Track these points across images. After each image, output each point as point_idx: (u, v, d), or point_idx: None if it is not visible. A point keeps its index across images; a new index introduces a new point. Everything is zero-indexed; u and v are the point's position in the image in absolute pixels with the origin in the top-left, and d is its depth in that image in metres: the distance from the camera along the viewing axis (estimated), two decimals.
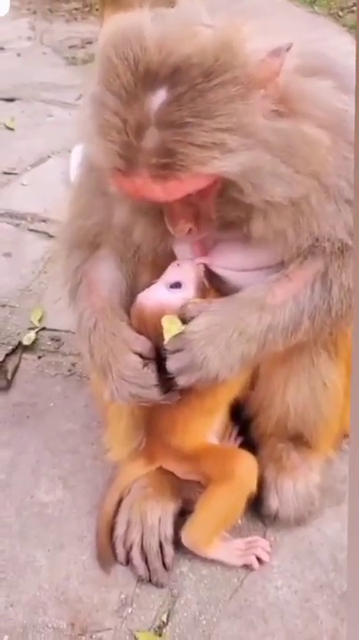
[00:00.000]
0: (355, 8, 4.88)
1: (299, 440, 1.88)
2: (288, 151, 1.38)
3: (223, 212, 1.46)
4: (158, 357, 1.59)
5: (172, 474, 1.83)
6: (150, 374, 1.58)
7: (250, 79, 1.31)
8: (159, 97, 1.30)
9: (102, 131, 1.35)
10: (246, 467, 1.73)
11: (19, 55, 4.55)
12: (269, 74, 1.33)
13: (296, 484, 1.84)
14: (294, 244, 1.53)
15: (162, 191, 1.35)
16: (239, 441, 1.94)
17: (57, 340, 2.38)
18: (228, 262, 1.64)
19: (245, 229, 1.48)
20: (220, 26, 1.35)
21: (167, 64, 1.29)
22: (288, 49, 1.33)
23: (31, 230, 2.88)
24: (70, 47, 4.68)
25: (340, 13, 4.95)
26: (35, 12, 5.29)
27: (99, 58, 1.37)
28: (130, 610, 1.70)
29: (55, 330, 2.41)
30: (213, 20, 1.39)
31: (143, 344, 1.60)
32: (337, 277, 1.56)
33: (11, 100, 3.93)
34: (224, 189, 1.40)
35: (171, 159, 1.30)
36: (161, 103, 1.30)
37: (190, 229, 1.49)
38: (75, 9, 5.37)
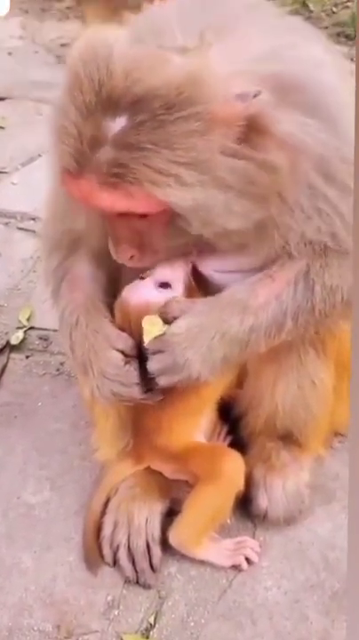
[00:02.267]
0: (349, 4, 4.86)
1: (289, 439, 1.86)
2: (245, 186, 1.37)
3: (170, 242, 1.46)
4: (141, 356, 1.58)
5: (160, 474, 1.81)
6: (132, 372, 1.56)
7: (212, 117, 1.30)
8: (119, 122, 1.30)
9: (58, 134, 1.35)
10: (234, 465, 1.72)
11: (10, 54, 4.51)
12: (233, 115, 1.32)
13: (285, 482, 1.82)
14: (267, 252, 1.52)
15: (108, 200, 1.34)
16: (228, 440, 1.92)
17: (45, 340, 2.36)
18: (215, 264, 1.62)
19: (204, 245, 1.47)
20: (191, 54, 1.34)
21: (131, 92, 1.29)
22: (255, 95, 1.32)
23: (20, 229, 2.86)
24: (62, 46, 4.64)
25: (334, 9, 4.92)
26: (27, 12, 5.26)
27: (67, 66, 1.37)
28: (117, 612, 1.68)
29: (43, 329, 2.38)
30: (184, 35, 1.39)
31: (125, 341, 1.58)
32: (319, 277, 1.55)
33: (1, 99, 3.90)
34: (172, 220, 1.39)
35: (122, 170, 1.30)
36: (120, 128, 1.30)
37: (132, 256, 1.48)
38: (68, 8, 5.33)
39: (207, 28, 1.41)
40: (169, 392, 1.61)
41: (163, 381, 1.53)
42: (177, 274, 1.59)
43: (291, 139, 1.40)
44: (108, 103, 1.30)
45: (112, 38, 1.37)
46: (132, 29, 1.44)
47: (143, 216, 1.39)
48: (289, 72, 1.44)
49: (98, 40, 1.37)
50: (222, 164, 1.33)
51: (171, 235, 1.43)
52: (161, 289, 1.57)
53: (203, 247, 1.57)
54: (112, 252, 1.49)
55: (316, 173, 1.46)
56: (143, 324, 1.53)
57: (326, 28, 4.48)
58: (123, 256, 1.48)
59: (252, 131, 1.36)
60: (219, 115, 1.31)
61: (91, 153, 1.31)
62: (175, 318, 1.53)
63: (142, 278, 1.60)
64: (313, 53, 1.54)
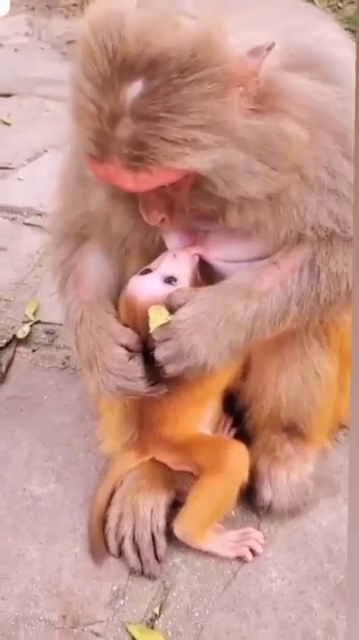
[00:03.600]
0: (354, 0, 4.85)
1: (294, 431, 1.86)
2: (264, 149, 1.36)
3: (197, 205, 1.45)
4: (145, 350, 1.58)
5: (165, 465, 1.81)
6: (136, 367, 1.57)
7: (227, 77, 1.30)
8: (135, 88, 1.29)
9: (78, 116, 1.35)
10: (238, 456, 1.72)
11: (16, 51, 4.54)
12: (248, 72, 1.31)
13: (289, 474, 1.82)
14: (281, 234, 1.52)
15: (133, 181, 1.35)
16: (233, 432, 1.93)
17: (51, 334, 2.37)
18: (221, 253, 1.62)
19: (221, 221, 1.47)
20: (203, 18, 1.33)
21: (144, 56, 1.28)
22: (269, 48, 1.31)
23: (27, 224, 2.88)
24: (68, 42, 4.66)
25: (340, 5, 4.92)
26: (33, 9, 5.28)
27: (79, 41, 1.36)
28: (122, 602, 1.69)
29: (49, 323, 2.39)
30: (197, 8, 1.37)
31: (129, 337, 1.59)
32: (325, 264, 1.54)
33: (7, 95, 3.92)
34: (197, 184, 1.39)
35: (142, 152, 1.30)
36: (136, 95, 1.29)
37: (163, 219, 1.47)
38: (74, 4, 5.35)
39: (219, 2, 1.40)
40: (174, 384, 1.62)
41: (170, 370, 1.53)
42: (183, 268, 1.59)
43: (309, 105, 1.40)
44: (123, 69, 1.29)
45: (122, 6, 1.35)
46: (143, 3, 1.42)
47: (170, 184, 1.39)
48: (302, 46, 1.44)
49: (107, 9, 1.36)
50: (240, 125, 1.33)
51: (199, 197, 1.42)
52: (167, 284, 1.57)
53: (215, 233, 1.59)
54: (144, 217, 1.48)
55: (338, 149, 1.46)
56: (149, 313, 1.53)
57: None
58: (154, 221, 1.48)
59: (270, 95, 1.35)
60: (235, 74, 1.30)
61: (111, 131, 1.30)
62: (180, 307, 1.53)
63: (147, 271, 1.61)
64: (327, 31, 1.54)
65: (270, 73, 1.35)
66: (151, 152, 1.30)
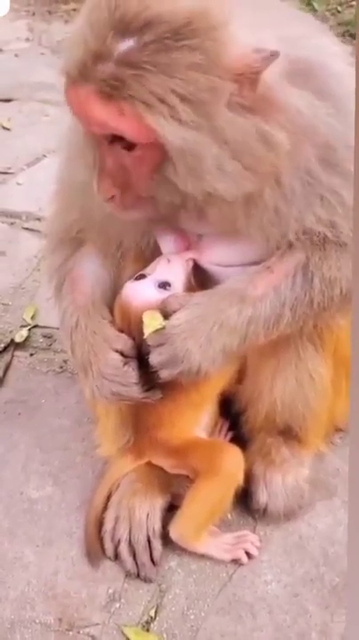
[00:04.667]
0: (353, 3, 4.86)
1: (289, 434, 1.87)
2: (242, 148, 1.36)
3: (154, 192, 1.43)
4: (140, 355, 1.59)
5: (161, 469, 1.82)
6: (131, 372, 1.58)
7: (221, 60, 1.30)
8: (125, 44, 1.29)
9: (68, 46, 1.35)
10: (233, 460, 1.73)
11: (16, 56, 4.54)
12: (246, 68, 1.32)
13: (285, 477, 1.83)
14: (270, 238, 1.53)
15: (100, 111, 1.32)
16: (229, 436, 1.93)
17: (49, 337, 2.38)
18: (215, 257, 1.63)
19: (197, 215, 1.47)
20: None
21: (141, 17, 1.29)
22: (273, 54, 1.32)
23: (25, 229, 2.88)
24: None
25: (339, 9, 4.93)
26: (33, 14, 5.29)
27: None
28: (118, 605, 1.69)
29: (47, 327, 2.40)
30: None
31: (124, 342, 1.60)
32: (318, 269, 1.55)
33: (7, 100, 3.93)
34: (160, 166, 1.38)
35: (119, 84, 1.30)
36: (126, 47, 1.29)
37: (113, 196, 1.45)
38: (74, 10, 5.36)
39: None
40: (169, 388, 1.63)
41: (164, 374, 1.54)
42: (177, 272, 1.60)
43: (298, 118, 1.40)
44: (119, 23, 1.30)
45: None
46: None
47: (131, 147, 1.38)
48: (300, 56, 1.45)
49: None
50: (224, 116, 1.33)
51: (158, 182, 1.41)
52: (161, 289, 1.58)
53: (209, 237, 1.59)
54: (95, 189, 1.46)
55: (320, 160, 1.47)
56: (143, 318, 1.54)
57: (331, 27, 4.49)
58: (105, 193, 1.45)
59: (262, 100, 1.36)
60: (231, 63, 1.31)
61: (92, 64, 1.31)
62: (174, 312, 1.54)
63: (142, 276, 1.62)
64: (324, 43, 1.55)
65: (269, 79, 1.35)
66: (128, 88, 1.29)
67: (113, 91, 1.30)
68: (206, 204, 1.45)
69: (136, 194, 1.45)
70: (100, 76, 1.30)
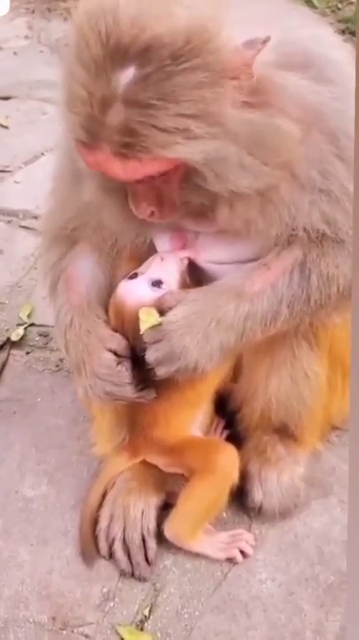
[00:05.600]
0: (354, 0, 4.84)
1: (285, 432, 1.86)
2: (256, 143, 1.36)
3: (187, 198, 1.44)
4: (134, 355, 1.59)
5: (156, 467, 1.81)
6: (124, 372, 1.57)
7: (221, 67, 1.30)
8: (127, 74, 1.28)
9: (69, 102, 1.34)
10: (228, 458, 1.72)
11: (15, 54, 4.54)
12: (242, 64, 1.31)
13: (280, 475, 1.82)
14: (273, 233, 1.52)
15: (122, 169, 1.34)
16: (225, 434, 1.93)
17: (45, 336, 2.37)
18: (211, 255, 1.63)
19: (210, 216, 1.47)
20: (198, 7, 1.32)
21: (138, 41, 1.27)
22: (264, 41, 1.31)
23: (23, 227, 2.87)
24: (67, 46, 4.66)
25: (339, 6, 4.91)
26: (33, 12, 5.29)
27: (73, 27, 1.35)
28: (112, 604, 1.69)
29: (44, 326, 2.39)
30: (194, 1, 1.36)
31: (118, 342, 1.59)
32: (315, 266, 1.55)
33: (6, 98, 3.92)
34: (188, 176, 1.39)
35: (132, 139, 1.29)
36: (128, 80, 1.28)
37: (152, 212, 1.46)
38: (75, 7, 5.36)
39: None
40: (164, 386, 1.62)
41: (161, 372, 1.53)
42: (170, 270, 1.59)
43: (303, 104, 1.40)
44: (116, 53, 1.28)
45: None
46: None
47: (159, 175, 1.38)
48: (299, 46, 1.45)
49: None
50: (233, 117, 1.33)
51: (189, 190, 1.42)
52: (154, 287, 1.58)
53: (206, 235, 1.59)
54: (133, 210, 1.47)
55: (331, 150, 1.46)
56: (139, 315, 1.53)
57: (331, 24, 4.47)
58: (144, 214, 1.47)
59: (263, 91, 1.35)
60: (229, 65, 1.30)
61: (102, 117, 1.29)
62: (171, 309, 1.54)
63: (135, 275, 1.61)
64: (321, 33, 1.55)
65: (265, 69, 1.35)
66: (141, 139, 1.29)
67: (128, 149, 1.30)
68: (225, 202, 1.44)
69: (171, 203, 1.46)
70: (112, 135, 1.29)
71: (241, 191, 1.40)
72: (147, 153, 1.30)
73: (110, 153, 1.32)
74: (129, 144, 1.30)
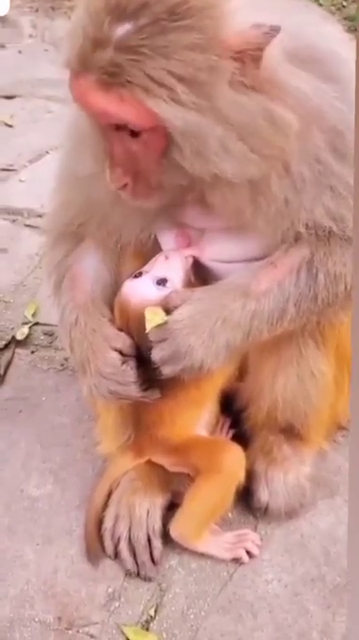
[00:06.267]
0: None
1: (291, 432, 1.85)
2: (247, 129, 1.35)
3: (164, 177, 1.42)
4: (139, 354, 1.58)
5: (161, 467, 1.81)
6: (129, 371, 1.56)
7: (220, 38, 1.29)
8: (123, 28, 1.28)
9: (68, 37, 1.35)
10: (234, 458, 1.72)
11: (20, 52, 4.54)
12: (246, 45, 1.30)
13: (286, 475, 1.82)
14: (273, 230, 1.51)
15: (103, 99, 1.32)
16: (231, 433, 1.92)
17: (50, 335, 2.37)
18: (216, 254, 1.62)
19: (203, 203, 1.45)
20: None
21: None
22: (274, 29, 1.30)
23: (27, 226, 2.87)
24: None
25: (344, 4, 4.90)
26: (37, 10, 5.28)
27: None
28: (117, 604, 1.68)
29: (48, 324, 2.38)
30: None
31: (123, 341, 1.58)
32: (323, 265, 1.54)
33: (10, 97, 3.92)
34: (167, 150, 1.36)
35: (118, 70, 1.29)
36: (123, 32, 1.28)
37: (126, 185, 1.45)
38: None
39: None
40: (170, 385, 1.61)
41: (167, 371, 1.52)
42: (175, 269, 1.59)
43: (304, 100, 1.39)
44: (115, 9, 1.29)
45: None
46: None
47: (137, 134, 1.37)
48: (307, 42, 1.44)
49: None
50: (226, 96, 1.32)
51: (166, 167, 1.40)
52: (159, 286, 1.57)
53: (211, 233, 1.58)
54: (108, 179, 1.45)
55: (329, 147, 1.45)
56: (145, 314, 1.53)
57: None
58: (117, 182, 1.45)
59: (266, 81, 1.34)
60: (232, 42, 1.29)
61: (92, 52, 1.30)
62: (177, 308, 1.53)
63: (140, 274, 1.61)
64: (329, 30, 1.54)
65: (271, 61, 1.34)
66: (127, 74, 1.29)
67: (111, 78, 1.30)
68: (213, 189, 1.43)
69: (147, 181, 1.44)
70: (99, 63, 1.30)
71: (225, 177, 1.38)
72: (129, 90, 1.30)
73: (94, 81, 1.31)
74: (114, 74, 1.29)
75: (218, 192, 1.44)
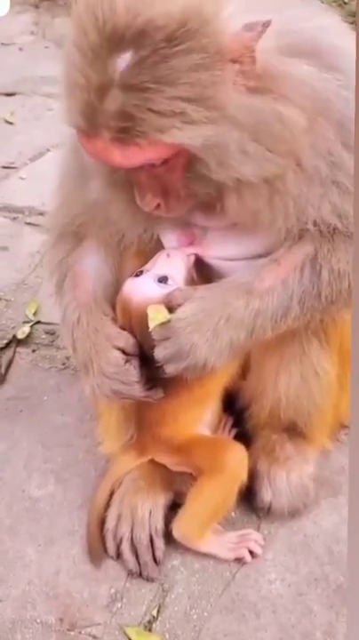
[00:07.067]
0: None
1: (294, 431, 1.84)
2: (259, 129, 1.34)
3: (192, 188, 1.42)
4: (142, 353, 1.57)
5: (164, 466, 1.80)
6: (132, 370, 1.55)
7: (219, 50, 1.28)
8: (123, 59, 1.27)
9: (68, 89, 1.33)
10: (236, 457, 1.71)
11: (21, 50, 4.53)
12: (243, 48, 1.29)
13: (289, 474, 1.81)
14: (281, 227, 1.50)
15: (121, 156, 1.32)
16: (233, 432, 1.91)
17: (51, 334, 2.36)
18: (219, 251, 1.61)
19: (219, 208, 1.45)
20: None
21: (133, 26, 1.26)
22: (265, 25, 1.29)
23: (28, 224, 2.86)
24: (67, 35, 4.63)
25: (346, 1, 4.88)
26: (38, 7, 5.27)
27: (73, 15, 1.34)
28: (119, 604, 1.67)
29: (50, 323, 2.38)
30: None
31: (126, 340, 1.57)
32: (326, 262, 1.52)
33: (11, 94, 3.91)
34: (190, 164, 1.36)
35: (129, 123, 1.28)
36: (124, 65, 1.27)
37: (158, 204, 1.44)
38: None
39: None
40: (172, 384, 1.60)
41: (170, 369, 1.51)
42: (176, 266, 1.58)
43: (309, 93, 1.38)
44: (112, 39, 1.27)
45: None
46: None
47: (161, 163, 1.36)
48: (306, 33, 1.43)
49: None
50: (234, 102, 1.31)
51: (193, 180, 1.40)
52: (160, 284, 1.56)
53: (213, 231, 1.57)
54: (139, 203, 1.45)
55: (338, 139, 1.44)
56: (148, 312, 1.51)
57: None
58: (149, 206, 1.45)
59: (267, 77, 1.33)
60: (228, 48, 1.28)
61: (99, 103, 1.28)
62: (180, 306, 1.51)
63: (141, 273, 1.59)
64: (330, 23, 1.52)
65: (269, 56, 1.33)
66: (138, 124, 1.27)
67: (126, 134, 1.29)
68: (232, 192, 1.41)
69: (177, 195, 1.44)
70: (110, 122, 1.28)
71: (246, 179, 1.38)
72: (144, 138, 1.29)
73: (109, 139, 1.30)
74: (126, 129, 1.28)
75: (237, 196, 1.42)
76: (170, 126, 1.28)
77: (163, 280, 1.56)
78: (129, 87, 1.27)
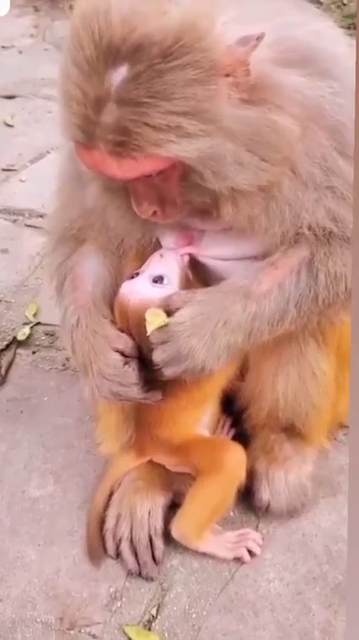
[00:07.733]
0: None
1: (292, 431, 1.85)
2: (254, 139, 1.36)
3: (188, 197, 1.44)
4: (140, 355, 1.58)
5: (163, 467, 1.81)
6: (131, 372, 1.56)
7: (214, 64, 1.29)
8: (119, 73, 1.28)
9: (65, 102, 1.34)
10: (235, 458, 1.71)
11: (21, 52, 4.54)
12: (236, 62, 1.31)
13: (287, 474, 1.82)
14: (277, 231, 1.51)
15: (118, 168, 1.34)
16: (232, 433, 1.92)
17: (51, 335, 2.37)
18: (216, 251, 1.62)
19: (215, 214, 1.46)
20: (191, 7, 1.31)
21: (129, 40, 1.27)
22: (258, 38, 1.30)
23: (28, 226, 2.87)
24: (63, 47, 4.64)
25: (345, 1, 4.89)
26: (37, 10, 5.28)
27: (69, 27, 1.36)
28: (119, 604, 1.69)
29: (50, 325, 2.39)
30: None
31: (125, 342, 1.58)
32: (323, 265, 1.53)
33: (11, 97, 3.92)
34: (186, 174, 1.38)
35: (126, 138, 1.29)
36: (121, 80, 1.28)
37: (155, 212, 1.46)
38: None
39: None
40: (171, 385, 1.61)
41: (168, 372, 1.52)
42: (170, 266, 1.59)
43: (302, 101, 1.39)
44: (108, 53, 1.28)
45: None
46: None
47: (157, 173, 1.38)
48: (299, 42, 1.44)
49: None
50: (228, 114, 1.32)
51: (189, 189, 1.41)
52: (155, 284, 1.57)
53: (210, 232, 1.58)
54: (136, 210, 1.47)
55: (332, 145, 1.45)
56: (146, 316, 1.52)
57: (336, 20, 4.45)
58: (146, 214, 1.47)
59: (260, 88, 1.35)
60: (222, 62, 1.30)
61: (96, 116, 1.30)
62: (178, 309, 1.53)
63: (136, 275, 1.61)
64: (321, 28, 1.53)
65: (261, 66, 1.34)
66: (134, 138, 1.29)
67: (122, 148, 1.30)
68: (228, 199, 1.43)
69: (173, 203, 1.46)
70: (107, 135, 1.30)
71: (241, 188, 1.39)
72: (141, 151, 1.30)
73: (106, 152, 1.32)
74: (123, 143, 1.30)
75: (232, 204, 1.44)
76: (166, 140, 1.30)
77: (157, 280, 1.57)
78: (125, 101, 1.28)
